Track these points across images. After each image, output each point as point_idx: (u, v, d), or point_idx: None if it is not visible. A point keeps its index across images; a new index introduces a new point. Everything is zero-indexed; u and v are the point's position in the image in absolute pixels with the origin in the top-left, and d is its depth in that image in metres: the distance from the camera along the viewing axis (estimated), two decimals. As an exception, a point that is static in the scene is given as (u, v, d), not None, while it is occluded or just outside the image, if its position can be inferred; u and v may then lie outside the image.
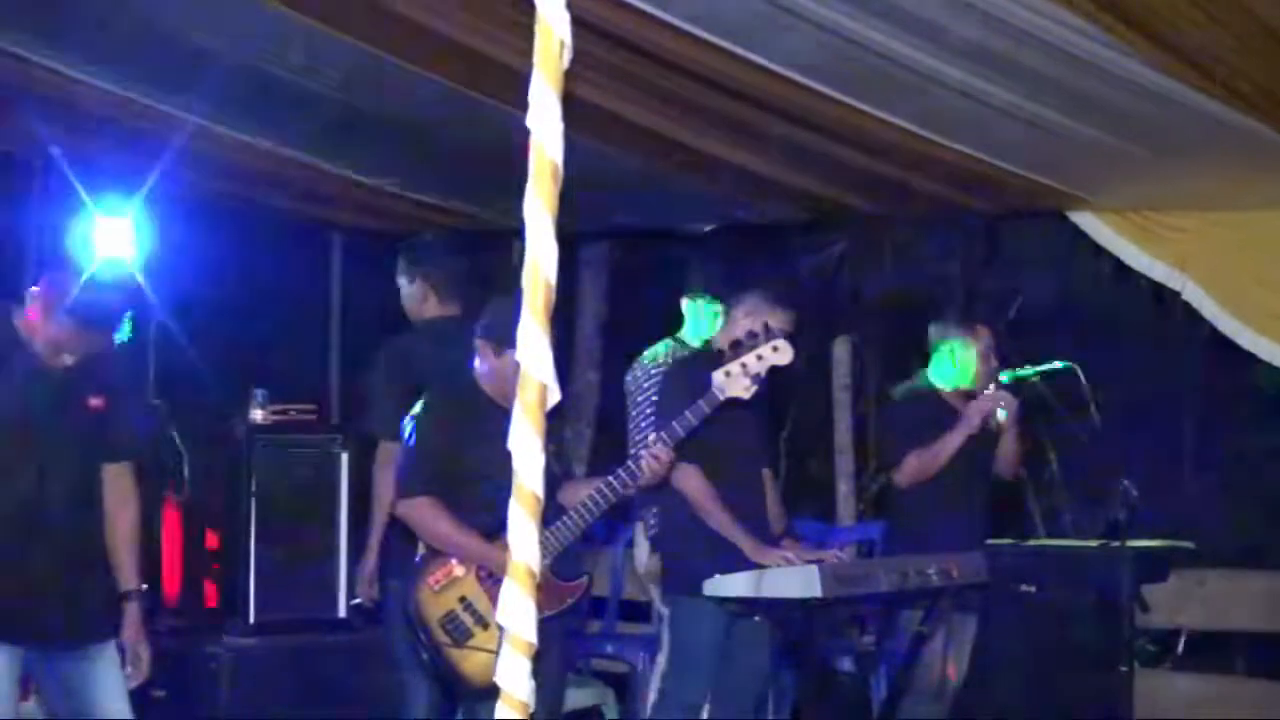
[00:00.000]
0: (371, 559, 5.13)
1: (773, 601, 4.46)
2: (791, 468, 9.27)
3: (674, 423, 4.22)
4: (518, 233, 2.12)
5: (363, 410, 5.20)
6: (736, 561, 4.67)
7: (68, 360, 3.74)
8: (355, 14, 4.33)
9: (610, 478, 4.16)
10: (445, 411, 4.31)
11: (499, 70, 4.46)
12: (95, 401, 3.84)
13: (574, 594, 4.22)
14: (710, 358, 4.49)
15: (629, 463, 4.15)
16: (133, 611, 3.89)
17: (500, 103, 4.76)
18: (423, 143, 5.58)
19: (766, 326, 4.39)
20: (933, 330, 5.75)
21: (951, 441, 5.44)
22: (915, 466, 5.48)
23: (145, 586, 3.96)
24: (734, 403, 4.27)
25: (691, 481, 4.81)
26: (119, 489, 3.93)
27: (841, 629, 6.29)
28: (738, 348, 4.31)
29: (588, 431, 9.31)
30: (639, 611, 6.87)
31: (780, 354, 4.27)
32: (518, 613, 2.06)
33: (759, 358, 4.25)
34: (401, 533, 4.70)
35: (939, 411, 5.60)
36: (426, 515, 4.20)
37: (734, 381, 4.23)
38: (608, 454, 4.30)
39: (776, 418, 7.74)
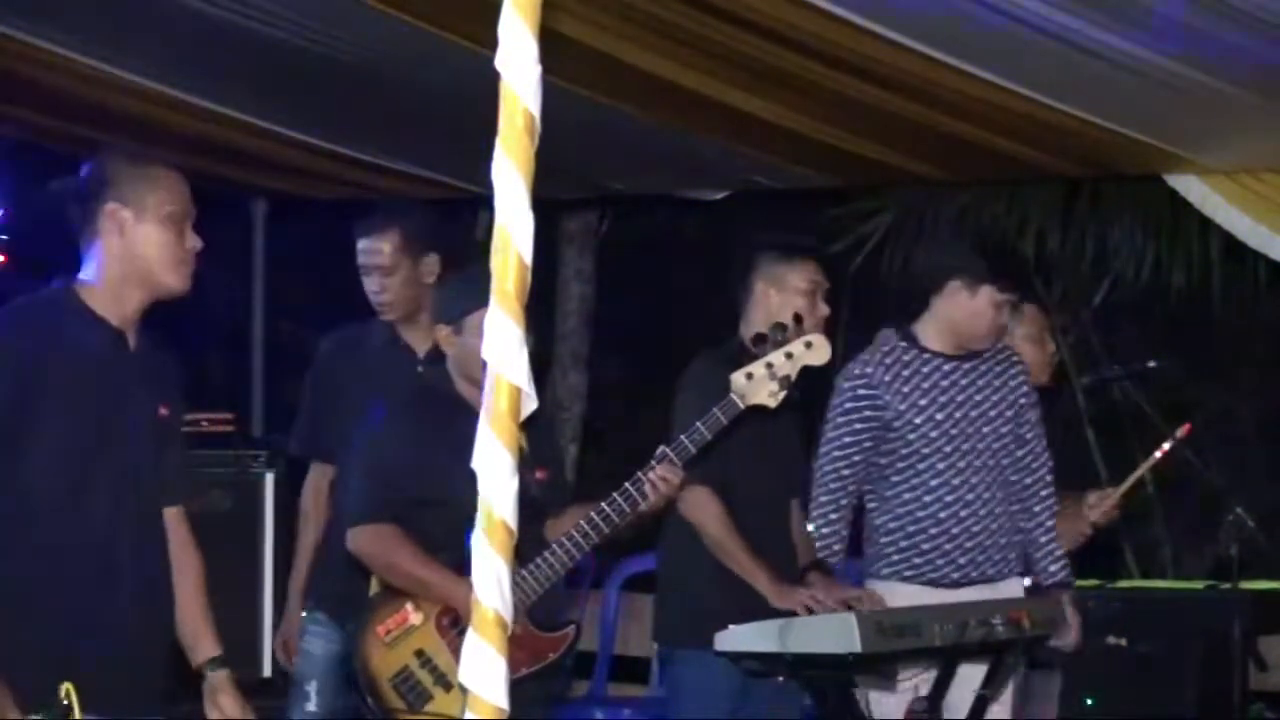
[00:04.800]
0: (296, 610, 5.15)
1: (800, 658, 4.47)
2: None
3: (683, 437, 4.23)
4: (485, 200, 2.13)
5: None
6: (755, 605, 4.67)
7: None
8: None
9: (604, 504, 4.16)
10: (403, 416, 4.34)
11: (463, 0, 4.47)
12: (163, 410, 3.75)
13: (556, 648, 4.22)
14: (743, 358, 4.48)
15: (628, 486, 4.15)
16: (226, 681, 3.80)
17: (464, 40, 4.76)
18: (367, 89, 5.58)
19: (798, 318, 4.40)
20: None
21: None
22: None
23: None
24: (759, 412, 4.28)
25: (704, 508, 4.82)
26: (181, 536, 3.87)
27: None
28: (761, 343, 4.32)
29: (572, 448, 9.31)
30: (635, 669, 6.88)
31: (814, 352, 4.28)
32: (484, 672, 2.07)
33: (788, 356, 4.25)
34: (333, 573, 4.71)
35: None
36: (383, 545, 4.21)
37: (757, 386, 4.23)
38: (598, 477, 4.29)
39: (806, 432, 7.73)
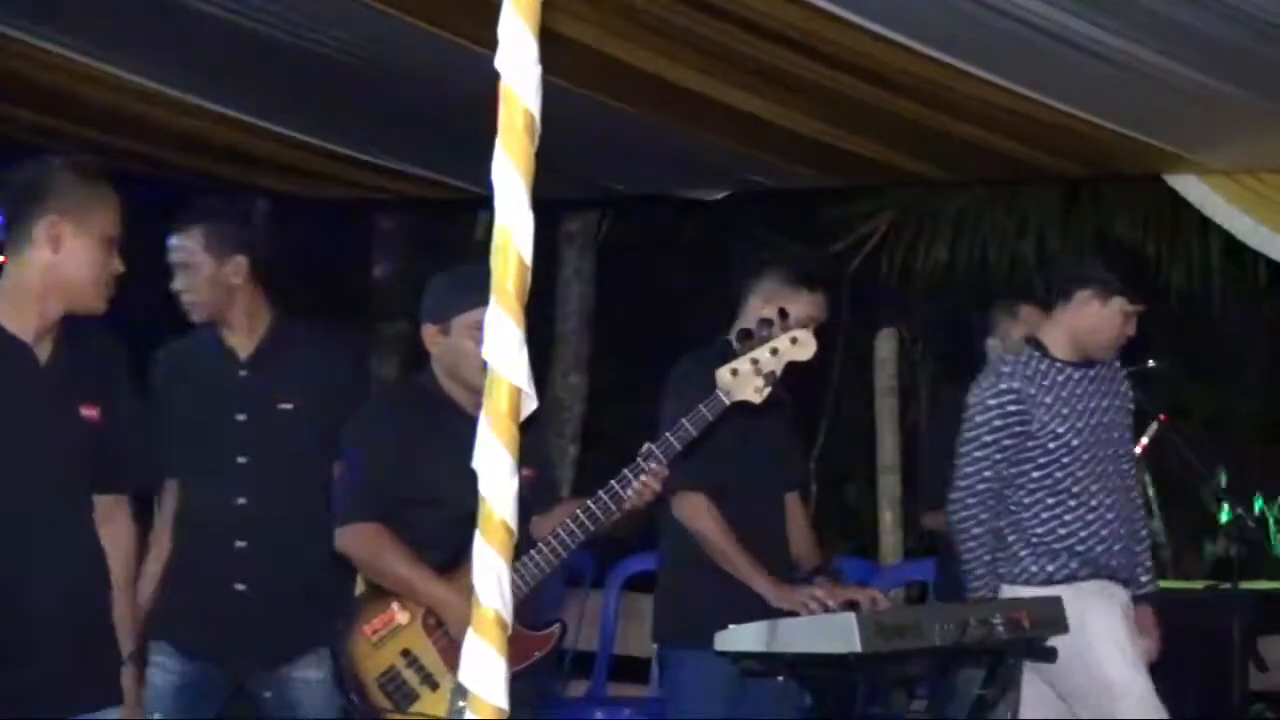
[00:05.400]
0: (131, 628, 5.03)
1: (799, 658, 4.47)
2: (824, 493, 9.29)
3: (668, 434, 4.22)
4: (485, 200, 2.13)
5: None
6: (755, 605, 4.68)
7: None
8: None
9: (590, 502, 4.16)
10: (391, 415, 4.35)
11: (463, 0, 4.47)
12: (88, 411, 3.69)
13: (543, 646, 4.22)
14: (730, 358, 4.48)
15: (614, 484, 4.15)
16: (130, 680, 3.80)
17: (464, 40, 4.77)
18: (367, 89, 5.58)
19: (783, 313, 4.38)
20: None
21: None
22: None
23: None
24: (745, 409, 4.27)
25: (699, 515, 4.83)
26: (117, 525, 3.81)
27: (886, 692, 6.29)
28: (748, 339, 4.31)
29: (572, 448, 9.32)
30: (635, 669, 6.87)
31: (800, 347, 4.25)
32: (484, 672, 2.07)
33: (773, 352, 4.23)
34: (178, 602, 4.65)
35: None
36: (370, 545, 4.21)
37: (742, 382, 4.21)
38: (598, 477, 4.28)
39: (805, 431, 7.74)
